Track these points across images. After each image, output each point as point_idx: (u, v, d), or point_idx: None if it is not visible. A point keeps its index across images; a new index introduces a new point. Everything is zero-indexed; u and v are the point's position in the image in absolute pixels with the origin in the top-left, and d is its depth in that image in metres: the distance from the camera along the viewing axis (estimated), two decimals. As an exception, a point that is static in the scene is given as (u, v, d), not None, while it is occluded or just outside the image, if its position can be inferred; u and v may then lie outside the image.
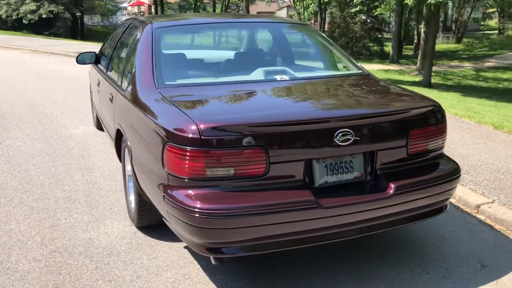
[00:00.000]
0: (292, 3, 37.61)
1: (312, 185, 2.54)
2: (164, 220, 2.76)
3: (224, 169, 2.38)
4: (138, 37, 3.59)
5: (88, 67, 5.76)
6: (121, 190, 4.12)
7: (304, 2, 37.08)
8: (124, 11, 54.97)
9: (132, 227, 3.49)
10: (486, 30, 51.20)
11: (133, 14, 54.49)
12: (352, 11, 20.14)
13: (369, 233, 2.65)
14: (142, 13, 49.16)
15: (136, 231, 3.43)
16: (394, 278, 2.88)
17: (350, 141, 2.51)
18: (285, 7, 53.91)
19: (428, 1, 13.62)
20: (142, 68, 3.18)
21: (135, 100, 3.06)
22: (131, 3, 53.59)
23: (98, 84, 4.46)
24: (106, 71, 4.27)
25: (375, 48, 30.33)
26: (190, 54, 3.69)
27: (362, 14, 28.55)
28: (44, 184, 4.28)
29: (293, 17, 42.03)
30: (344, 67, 3.58)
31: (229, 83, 3.09)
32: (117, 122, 3.48)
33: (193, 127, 2.36)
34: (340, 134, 2.48)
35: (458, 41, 38.94)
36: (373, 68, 20.32)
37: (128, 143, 3.12)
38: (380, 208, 2.56)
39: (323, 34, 3.90)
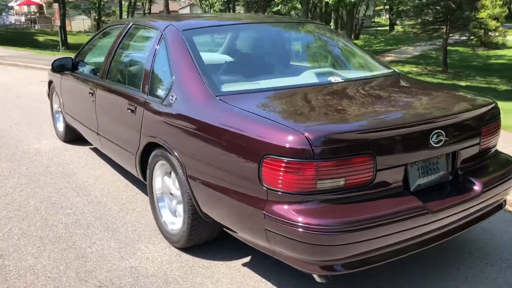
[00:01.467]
0: (198, 1, 37.19)
1: (408, 189, 2.47)
2: (244, 238, 2.54)
3: (334, 180, 2.22)
4: (158, 42, 3.26)
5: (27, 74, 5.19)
6: (133, 209, 3.75)
7: (209, 0, 36.89)
8: (11, 11, 50.68)
9: (171, 249, 3.17)
10: (377, 27, 54.57)
11: (22, 14, 50.61)
12: (274, 10, 20.41)
13: (461, 231, 2.65)
14: (34, 13, 45.81)
15: (180, 253, 3.13)
16: (467, 275, 2.90)
17: (442, 142, 2.48)
18: (187, 5, 53.28)
19: (348, 0, 14.17)
20: (185, 77, 2.90)
21: (189, 111, 2.76)
22: (19, 2, 49.62)
23: (92, 94, 4.00)
24: (104, 80, 3.84)
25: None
26: (227, 57, 3.42)
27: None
28: (39, 209, 3.76)
29: (198, 15, 41.59)
30: (369, 66, 3.53)
31: (291, 87, 2.91)
32: (148, 135, 3.14)
33: (302, 138, 2.17)
34: (435, 136, 2.44)
35: (356, 37, 41.09)
36: None
37: (180, 158, 2.81)
38: (472, 206, 2.56)
39: (342, 33, 3.82)
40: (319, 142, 2.16)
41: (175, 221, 3.21)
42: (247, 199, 2.38)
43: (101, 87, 3.86)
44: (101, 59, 4.19)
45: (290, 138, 2.19)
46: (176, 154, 2.85)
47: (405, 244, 2.38)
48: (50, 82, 5.53)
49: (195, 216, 2.90)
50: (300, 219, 2.19)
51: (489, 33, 30.44)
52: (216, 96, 2.70)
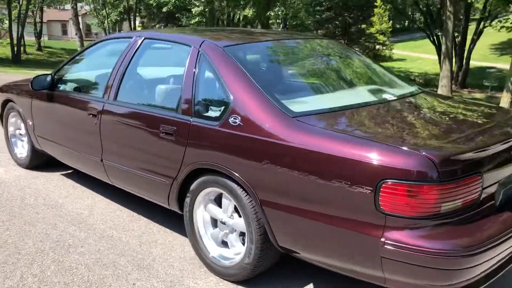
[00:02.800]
0: (93, 10, 35.45)
1: (496, 204, 2.52)
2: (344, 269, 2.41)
3: (455, 202, 2.20)
4: (196, 59, 3.00)
5: None
6: (155, 242, 3.42)
7: (105, 10, 35.37)
8: None
9: (225, 282, 2.93)
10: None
11: None
12: (192, 22, 20.03)
13: None
14: None
15: (236, 286, 2.90)
16: None
17: None
18: (79, 15, 50.46)
19: (268, 14, 14.43)
20: (248, 97, 2.69)
21: (261, 133, 2.56)
22: None
23: (95, 116, 3.57)
24: (113, 100, 3.45)
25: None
26: (276, 75, 3.23)
27: (172, 25, 28.70)
28: (44, 250, 3.26)
29: (93, 25, 39.87)
30: (396, 82, 3.57)
31: (360, 106, 2.83)
32: (196, 161, 2.87)
33: (427, 161, 2.11)
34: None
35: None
36: None
37: (249, 184, 2.60)
38: None
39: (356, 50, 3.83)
40: (443, 164, 2.12)
41: (226, 253, 2.97)
42: (356, 227, 2.26)
43: (109, 108, 3.46)
44: (99, 77, 3.79)
45: (414, 161, 2.12)
46: (242, 179, 2.63)
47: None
48: (6, 102, 4.87)
49: (264, 247, 2.70)
50: (429, 244, 2.12)
51: (377, 47, 32.90)
52: (293, 117, 2.55)
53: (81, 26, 54.24)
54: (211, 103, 2.90)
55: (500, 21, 13.95)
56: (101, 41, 3.91)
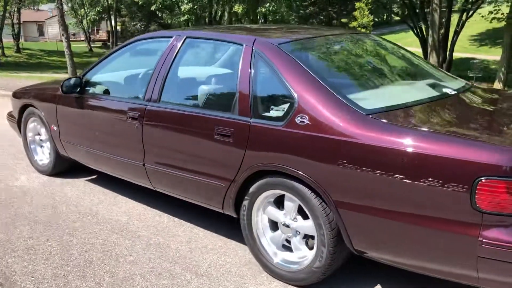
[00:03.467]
0: (71, 10, 34.82)
1: None
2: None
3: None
4: (251, 58, 2.91)
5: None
6: (205, 247, 3.32)
7: (84, 9, 34.78)
8: None
9: (289, 287, 2.85)
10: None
11: None
12: (181, 20, 19.76)
13: None
14: None
15: (304, 291, 2.83)
16: None
17: None
18: (55, 15, 49.45)
19: (258, 10, 14.32)
20: (314, 96, 2.61)
21: (334, 132, 2.48)
22: None
23: (135, 120, 3.44)
24: (156, 103, 3.33)
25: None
26: (335, 71, 3.14)
27: (155, 24, 28.38)
28: (92, 261, 3.13)
29: (71, 25, 39.14)
30: (443, 75, 3.50)
31: (428, 101, 2.77)
32: (258, 162, 2.77)
33: None
34: None
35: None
36: None
37: (321, 185, 2.52)
38: None
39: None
40: None
41: (290, 257, 2.88)
42: (449, 226, 2.20)
43: (153, 111, 3.34)
44: (136, 79, 3.66)
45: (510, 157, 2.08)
46: (313, 180, 2.54)
47: None
48: (24, 108, 4.69)
49: (336, 250, 2.63)
50: None
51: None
52: (366, 114, 2.48)
53: (57, 26, 53.27)
54: (272, 103, 2.81)
55: (491, 12, 14.11)
56: (134, 41, 3.77)
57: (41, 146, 4.79)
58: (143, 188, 3.96)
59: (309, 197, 2.62)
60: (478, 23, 29.44)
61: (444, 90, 2.98)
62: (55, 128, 4.28)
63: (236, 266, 3.07)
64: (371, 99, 2.70)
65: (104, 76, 4.00)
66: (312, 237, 2.83)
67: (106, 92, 3.87)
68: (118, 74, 4.05)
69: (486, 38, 34.51)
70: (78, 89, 3.91)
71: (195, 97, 3.25)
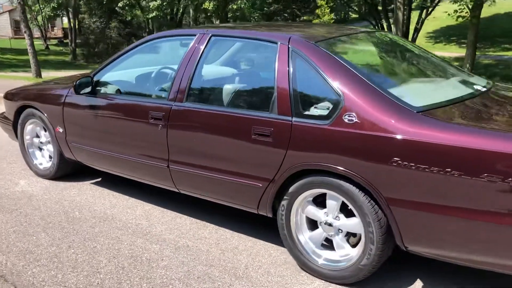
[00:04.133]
0: (21, 6, 33.34)
1: None
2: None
3: None
4: (288, 57, 2.88)
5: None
6: (236, 248, 3.27)
7: (38, 5, 33.48)
8: None
9: (332, 286, 2.85)
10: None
11: None
12: (150, 16, 19.30)
13: None
14: None
15: (348, 289, 2.84)
16: None
17: None
18: (6, 11, 47.51)
19: (229, 7, 14.24)
20: (361, 94, 2.62)
21: (384, 130, 2.50)
22: None
23: (159, 120, 3.35)
24: (183, 102, 3.25)
25: (134, 53, 29.82)
26: (375, 69, 3.12)
27: (116, 21, 27.74)
28: (124, 267, 3.03)
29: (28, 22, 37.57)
30: (467, 75, 3.56)
31: (467, 98, 2.83)
32: (300, 162, 2.76)
33: None
34: None
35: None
36: None
37: (373, 184, 2.53)
38: None
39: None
40: None
41: (332, 256, 2.89)
42: (507, 220, 2.26)
43: (179, 111, 3.26)
44: (157, 78, 3.56)
45: None
46: (362, 179, 2.55)
47: None
48: (21, 109, 4.48)
49: (384, 247, 2.65)
50: None
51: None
52: (417, 112, 2.51)
53: (9, 23, 51.11)
54: (315, 102, 2.79)
55: (456, 11, 14.62)
56: (150, 39, 3.65)
57: (41, 149, 4.59)
58: (154, 190, 3.93)
59: (357, 196, 2.63)
60: (432, 21, 30.35)
61: (475, 87, 3.05)
62: (60, 130, 4.10)
63: (274, 267, 3.04)
64: (416, 96, 2.73)
65: (118, 76, 3.87)
66: (354, 235, 2.85)
67: (121, 92, 3.74)
68: (134, 73, 3.93)
69: (440, 36, 35.66)
70: (89, 89, 3.76)
71: (227, 96, 3.19)
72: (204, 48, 3.29)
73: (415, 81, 3.06)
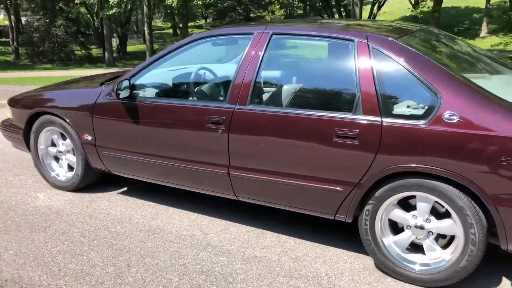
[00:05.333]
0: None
1: None
2: None
3: None
4: (369, 55, 2.77)
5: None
6: (304, 256, 3.14)
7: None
8: None
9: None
10: (157, 30, 54.61)
11: None
12: (110, 13, 18.33)
13: None
14: None
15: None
16: None
17: None
18: None
19: (195, 2, 13.90)
20: (459, 92, 2.57)
21: (493, 130, 2.43)
22: None
23: (220, 124, 3.14)
24: (248, 105, 3.06)
25: (83, 52, 28.65)
26: (457, 67, 3.03)
27: (62, 18, 26.48)
28: (200, 285, 2.82)
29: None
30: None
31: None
32: (394, 164, 2.66)
33: None
34: None
35: (145, 41, 40.44)
36: (92, 73, 19.04)
37: (479, 187, 2.47)
38: None
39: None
40: None
41: (421, 259, 2.81)
42: None
43: (244, 115, 3.07)
44: (210, 80, 3.35)
45: None
46: (467, 179, 2.49)
47: None
48: (35, 117, 4.10)
49: (484, 248, 2.61)
50: None
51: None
52: (517, 109, 2.47)
53: None
54: (406, 101, 2.70)
55: (412, 11, 15.05)
56: (198, 38, 3.41)
57: (58, 159, 4.23)
58: (187, 197, 3.84)
59: (457, 197, 2.57)
60: (385, 15, 31.15)
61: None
62: (88, 137, 3.78)
63: (355, 273, 2.93)
64: (507, 92, 2.69)
65: (160, 78, 3.61)
66: (444, 237, 2.79)
67: (165, 95, 3.50)
68: (180, 75, 3.68)
69: (386, 30, 36.60)
70: (127, 92, 3.48)
71: (298, 97, 3.03)
72: (266, 47, 3.11)
73: (494, 78, 3.03)
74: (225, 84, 3.30)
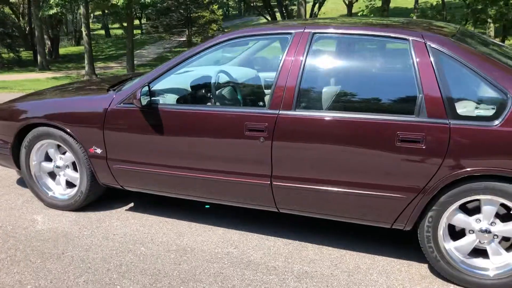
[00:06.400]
0: None
1: None
2: None
3: None
4: (429, 55, 2.65)
5: None
6: (356, 268, 2.98)
7: None
8: None
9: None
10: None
11: None
12: (51, 13, 17.01)
13: None
14: None
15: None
16: None
17: None
18: None
19: (142, 1, 13.36)
20: None
21: None
22: None
23: (262, 131, 2.91)
24: (290, 110, 2.85)
25: (10, 55, 26.91)
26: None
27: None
28: (261, 308, 2.58)
29: None
30: None
31: None
32: (457, 170, 2.56)
33: None
34: None
35: (78, 43, 38.75)
36: (25, 77, 18.11)
37: None
38: None
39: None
40: None
41: (484, 264, 2.73)
42: None
43: (290, 120, 2.85)
44: (243, 83, 3.11)
45: None
46: None
47: None
48: (28, 128, 3.65)
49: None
50: None
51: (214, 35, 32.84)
52: None
53: None
54: (474, 101, 2.61)
55: (367, 6, 15.37)
56: (227, 39, 3.13)
57: (53, 176, 3.79)
58: (206, 210, 3.64)
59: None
60: (319, 15, 31.67)
61: None
62: (98, 150, 3.40)
63: (416, 283, 2.81)
64: None
65: (185, 83, 3.30)
66: (507, 239, 2.73)
67: (193, 101, 3.21)
68: (208, 79, 3.37)
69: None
70: (147, 99, 3.15)
71: (350, 101, 2.85)
72: (309, 48, 2.91)
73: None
74: (264, 88, 3.07)
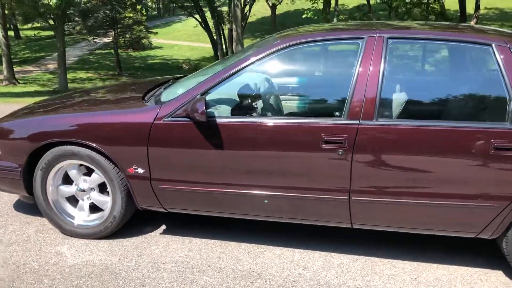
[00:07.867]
0: None
1: None
2: None
3: None
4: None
5: None
6: (424, 280, 2.89)
7: None
8: None
9: None
10: None
11: None
12: None
13: None
14: None
15: None
16: None
17: None
18: None
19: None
20: None
21: None
22: None
23: (341, 143, 2.72)
24: (377, 120, 2.69)
25: None
26: None
27: None
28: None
29: None
30: None
31: None
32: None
33: None
34: None
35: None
36: None
37: None
38: None
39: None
40: None
41: None
42: None
43: (373, 131, 2.70)
44: (314, 93, 2.90)
45: None
46: None
47: None
48: (45, 149, 3.18)
49: None
50: None
51: (140, 36, 31.63)
52: None
53: None
54: None
55: (309, 9, 15.54)
56: (288, 46, 2.89)
57: (74, 200, 3.33)
58: (246, 227, 3.44)
59: None
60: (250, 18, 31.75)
61: None
62: (140, 170, 3.02)
63: (503, 292, 2.76)
64: None
65: (241, 93, 3.01)
66: None
67: (245, 113, 2.96)
68: (270, 89, 3.11)
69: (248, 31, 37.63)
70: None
71: (437, 108, 2.74)
72: (385, 53, 2.76)
73: None
74: (337, 96, 2.88)
